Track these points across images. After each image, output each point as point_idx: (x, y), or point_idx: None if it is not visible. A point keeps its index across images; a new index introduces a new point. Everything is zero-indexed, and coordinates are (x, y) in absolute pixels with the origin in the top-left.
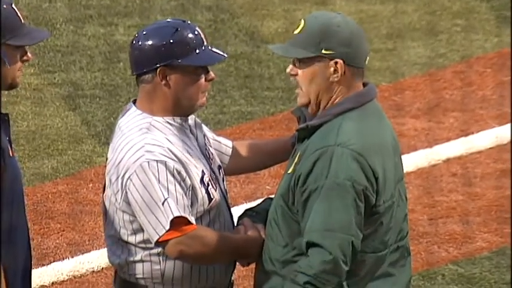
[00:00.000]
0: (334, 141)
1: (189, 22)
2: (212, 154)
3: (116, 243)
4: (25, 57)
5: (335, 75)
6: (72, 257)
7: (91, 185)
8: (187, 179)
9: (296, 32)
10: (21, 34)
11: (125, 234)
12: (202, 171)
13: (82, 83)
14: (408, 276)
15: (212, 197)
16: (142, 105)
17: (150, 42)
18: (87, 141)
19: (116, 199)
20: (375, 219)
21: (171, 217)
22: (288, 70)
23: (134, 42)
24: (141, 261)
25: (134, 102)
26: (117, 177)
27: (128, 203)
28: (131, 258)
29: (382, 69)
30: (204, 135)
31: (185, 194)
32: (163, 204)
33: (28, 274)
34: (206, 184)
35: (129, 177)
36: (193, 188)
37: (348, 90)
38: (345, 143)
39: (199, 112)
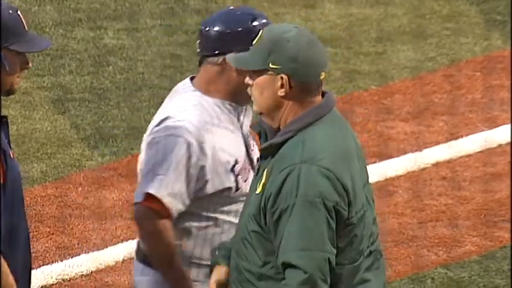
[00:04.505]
0: (300, 158)
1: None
2: (253, 145)
3: None
4: (25, 65)
5: (282, 90)
6: (62, 260)
7: (80, 188)
8: (207, 166)
9: (254, 42)
10: (24, 41)
11: None
12: (236, 160)
13: (71, 86)
14: (383, 278)
15: (239, 186)
16: (199, 83)
17: (229, 25)
18: (76, 144)
19: None
20: (349, 230)
21: (157, 193)
22: (245, 80)
23: (210, 23)
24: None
25: (192, 78)
26: (149, 134)
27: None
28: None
29: (371, 73)
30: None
31: (190, 182)
32: (159, 175)
33: (28, 275)
34: (236, 173)
35: (154, 138)
36: (217, 174)
37: (300, 105)
38: (312, 159)
39: None
